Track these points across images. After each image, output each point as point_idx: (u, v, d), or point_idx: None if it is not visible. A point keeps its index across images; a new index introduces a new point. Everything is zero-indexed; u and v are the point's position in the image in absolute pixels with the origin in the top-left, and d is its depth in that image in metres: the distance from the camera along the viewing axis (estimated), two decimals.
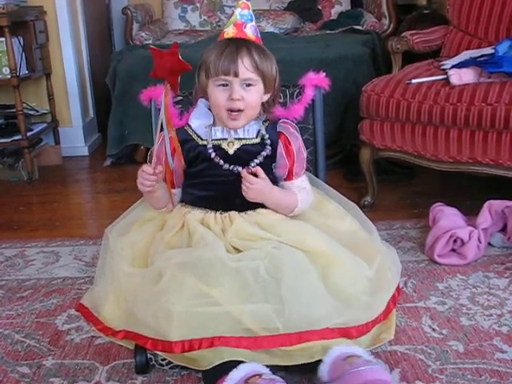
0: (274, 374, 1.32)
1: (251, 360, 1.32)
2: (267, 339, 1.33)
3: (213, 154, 1.52)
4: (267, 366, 1.33)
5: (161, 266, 1.43)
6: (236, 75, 1.46)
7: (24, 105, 3.27)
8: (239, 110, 1.49)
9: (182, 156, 1.55)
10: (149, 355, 1.47)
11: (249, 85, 1.48)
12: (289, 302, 1.35)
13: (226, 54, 1.46)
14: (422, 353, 1.54)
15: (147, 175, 1.49)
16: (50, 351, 1.62)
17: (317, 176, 1.82)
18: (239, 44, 1.48)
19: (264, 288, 1.36)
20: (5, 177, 3.30)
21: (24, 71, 3.30)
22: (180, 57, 1.36)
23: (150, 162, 1.51)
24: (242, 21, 1.52)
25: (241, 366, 1.30)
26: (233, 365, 1.31)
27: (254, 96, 1.50)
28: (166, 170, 1.51)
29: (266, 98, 1.56)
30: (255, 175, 1.50)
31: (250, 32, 1.52)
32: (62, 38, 3.62)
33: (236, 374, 1.29)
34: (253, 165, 1.52)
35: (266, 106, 1.58)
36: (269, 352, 1.36)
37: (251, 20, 1.54)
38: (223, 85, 1.48)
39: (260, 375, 1.28)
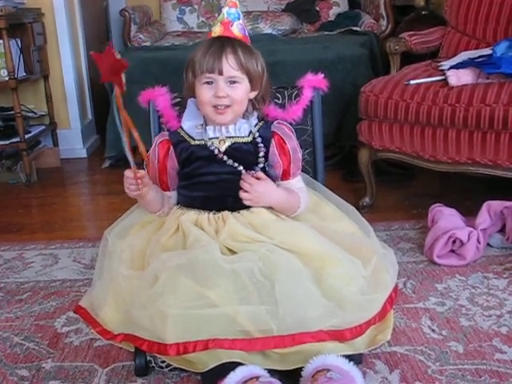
0: (271, 376, 1.32)
1: (248, 363, 1.32)
2: (261, 341, 1.34)
3: (216, 151, 1.53)
4: (265, 369, 1.33)
5: (157, 269, 1.43)
6: (221, 73, 1.47)
7: (22, 107, 3.27)
8: (226, 106, 1.49)
9: (175, 158, 1.56)
10: (148, 357, 1.47)
11: (234, 82, 1.49)
12: (283, 304, 1.35)
13: (210, 53, 1.47)
14: (422, 354, 1.54)
15: (129, 179, 1.49)
16: (49, 354, 1.62)
17: (315, 177, 1.82)
18: (224, 42, 1.49)
19: (259, 290, 1.37)
20: (3, 179, 3.30)
21: (22, 73, 3.30)
22: (116, 55, 1.34)
23: (147, 167, 1.52)
24: (229, 19, 1.53)
25: (238, 369, 1.30)
26: (231, 367, 1.31)
27: (239, 93, 1.50)
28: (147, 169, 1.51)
29: (253, 95, 1.56)
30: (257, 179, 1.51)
31: (236, 30, 1.53)
32: (60, 40, 3.62)
33: (233, 377, 1.29)
34: (257, 169, 1.53)
35: (254, 103, 1.58)
36: (264, 355, 1.36)
37: (238, 18, 1.54)
38: (208, 82, 1.49)
39: (257, 378, 1.29)
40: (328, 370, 1.30)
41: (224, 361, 1.32)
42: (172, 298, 1.36)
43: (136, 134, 1.41)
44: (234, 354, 1.32)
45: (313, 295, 1.38)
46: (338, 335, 1.38)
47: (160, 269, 1.42)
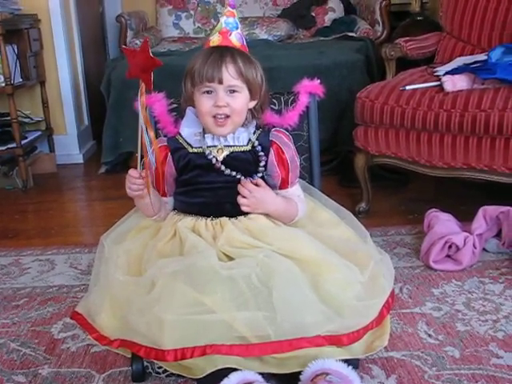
0: (267, 381, 1.32)
1: (244, 367, 1.32)
2: (259, 346, 1.33)
3: (214, 160, 1.53)
4: (261, 374, 1.33)
5: (154, 275, 1.43)
6: (220, 82, 1.47)
7: (18, 113, 3.27)
8: (226, 116, 1.49)
9: (173, 164, 1.56)
10: (145, 363, 1.47)
11: (234, 91, 1.49)
12: (280, 310, 1.35)
13: (210, 62, 1.47)
14: (418, 359, 1.54)
15: (133, 179, 1.49)
16: (45, 360, 1.62)
17: (312, 182, 1.82)
18: (223, 51, 1.49)
19: (256, 296, 1.37)
20: None
21: (18, 79, 3.30)
22: (150, 53, 1.36)
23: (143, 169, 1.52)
24: (227, 28, 1.53)
25: (232, 375, 1.30)
26: (227, 373, 1.30)
27: (239, 102, 1.50)
28: (148, 171, 1.49)
29: (252, 104, 1.56)
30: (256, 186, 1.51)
31: (235, 39, 1.53)
32: (57, 46, 3.62)
33: (227, 383, 1.28)
34: (256, 177, 1.53)
35: (254, 113, 1.58)
36: (262, 359, 1.36)
37: (236, 28, 1.54)
38: (208, 92, 1.49)
39: (251, 383, 1.29)
40: (327, 374, 1.31)
41: (220, 367, 1.32)
42: (169, 304, 1.35)
43: (152, 134, 1.45)
44: (231, 360, 1.32)
45: (310, 301, 1.39)
46: (336, 340, 1.38)
47: (157, 275, 1.42)
